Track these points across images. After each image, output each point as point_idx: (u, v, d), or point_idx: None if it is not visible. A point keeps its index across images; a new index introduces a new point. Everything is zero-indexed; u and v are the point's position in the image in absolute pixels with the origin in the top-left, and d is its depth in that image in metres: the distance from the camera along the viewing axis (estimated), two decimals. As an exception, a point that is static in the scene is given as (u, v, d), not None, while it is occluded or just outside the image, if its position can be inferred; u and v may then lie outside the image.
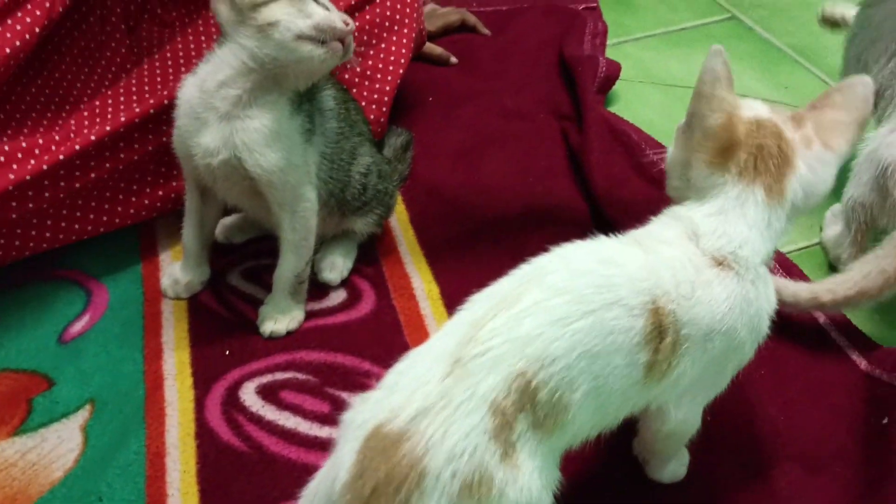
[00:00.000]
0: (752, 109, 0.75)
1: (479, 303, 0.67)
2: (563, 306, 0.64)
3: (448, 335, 0.65)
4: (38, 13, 1.04)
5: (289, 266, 0.98)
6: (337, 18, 0.87)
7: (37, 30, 1.04)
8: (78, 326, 1.02)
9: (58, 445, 0.89)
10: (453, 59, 1.51)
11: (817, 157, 0.74)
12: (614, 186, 1.21)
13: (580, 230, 1.17)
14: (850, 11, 1.22)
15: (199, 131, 0.90)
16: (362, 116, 1.08)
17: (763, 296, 0.74)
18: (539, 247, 1.12)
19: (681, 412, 0.76)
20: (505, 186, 1.25)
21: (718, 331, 0.71)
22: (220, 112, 0.89)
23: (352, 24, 0.89)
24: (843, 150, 0.75)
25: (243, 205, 1.00)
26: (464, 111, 1.39)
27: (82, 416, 0.92)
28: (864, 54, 1.13)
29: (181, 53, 1.18)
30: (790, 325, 1.02)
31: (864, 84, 0.74)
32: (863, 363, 0.99)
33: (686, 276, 0.69)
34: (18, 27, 1.02)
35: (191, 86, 0.91)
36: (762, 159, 0.72)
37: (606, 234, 1.14)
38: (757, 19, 1.27)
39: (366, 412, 0.62)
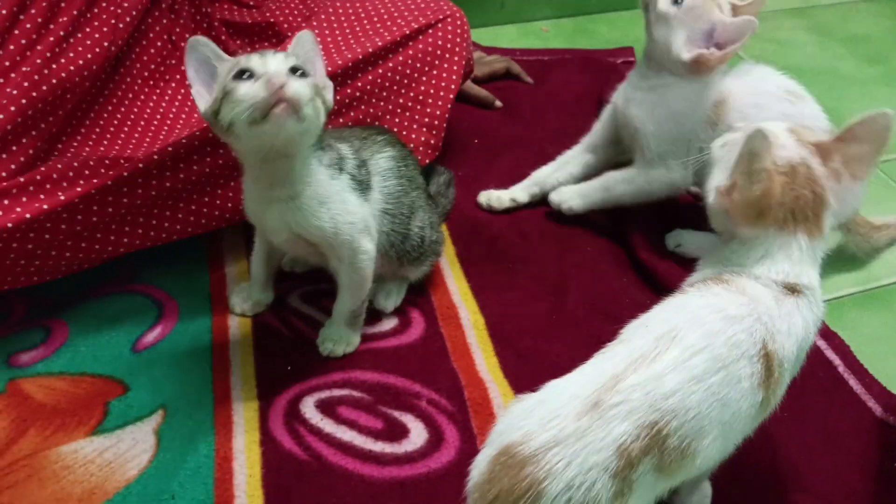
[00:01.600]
0: (784, 150, 0.81)
1: (619, 356, 0.74)
2: (701, 364, 0.72)
3: (586, 378, 0.73)
4: (105, 29, 1.13)
5: (345, 305, 1.06)
6: (262, 89, 0.84)
7: (106, 43, 1.13)
8: (150, 337, 1.10)
9: (133, 446, 0.97)
10: (498, 103, 1.60)
11: (846, 188, 0.82)
12: (649, 230, 1.30)
13: (614, 270, 1.26)
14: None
15: (264, 214, 0.97)
16: (418, 169, 1.15)
17: (820, 315, 0.82)
18: (574, 284, 1.21)
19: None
20: (542, 229, 1.33)
21: (798, 356, 0.80)
22: (272, 200, 0.95)
23: (281, 80, 0.84)
24: (866, 176, 0.83)
25: (308, 257, 1.07)
26: (506, 156, 1.47)
27: (155, 420, 1.00)
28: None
29: None
30: (811, 372, 1.09)
31: (884, 117, 0.81)
32: (878, 410, 1.06)
33: (776, 313, 0.77)
34: (88, 42, 1.11)
35: (247, 182, 0.98)
36: (800, 210, 0.80)
37: (639, 275, 1.24)
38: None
39: (507, 423, 0.71)
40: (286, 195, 0.95)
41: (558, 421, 0.69)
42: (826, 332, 1.16)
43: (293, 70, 0.88)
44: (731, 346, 0.74)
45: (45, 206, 0.99)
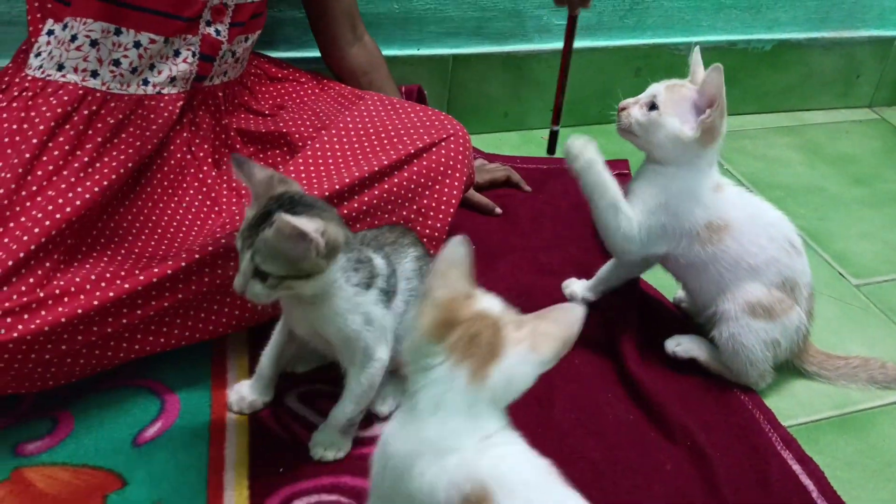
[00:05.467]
0: (483, 303, 0.83)
1: None
2: None
3: None
4: (130, 151, 1.21)
5: (346, 411, 1.10)
6: None
7: (130, 164, 1.21)
8: (151, 432, 1.14)
9: (127, 541, 1.01)
10: (498, 210, 1.67)
11: (522, 356, 0.82)
12: (641, 353, 1.35)
13: (600, 383, 1.30)
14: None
15: (291, 308, 1.08)
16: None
17: None
18: (559, 396, 1.26)
19: None
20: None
21: None
22: (297, 303, 1.05)
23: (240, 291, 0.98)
24: (547, 357, 0.82)
25: (325, 351, 1.13)
26: (503, 263, 1.53)
27: (150, 516, 1.04)
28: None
29: None
30: (785, 498, 1.13)
31: (578, 310, 0.83)
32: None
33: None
34: (114, 164, 1.19)
35: None
36: (474, 347, 0.80)
37: (625, 389, 1.29)
38: (772, 200, 1.41)
39: None
40: (308, 302, 1.03)
41: None
42: (801, 457, 1.20)
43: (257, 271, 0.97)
44: None
45: (63, 319, 1.06)
